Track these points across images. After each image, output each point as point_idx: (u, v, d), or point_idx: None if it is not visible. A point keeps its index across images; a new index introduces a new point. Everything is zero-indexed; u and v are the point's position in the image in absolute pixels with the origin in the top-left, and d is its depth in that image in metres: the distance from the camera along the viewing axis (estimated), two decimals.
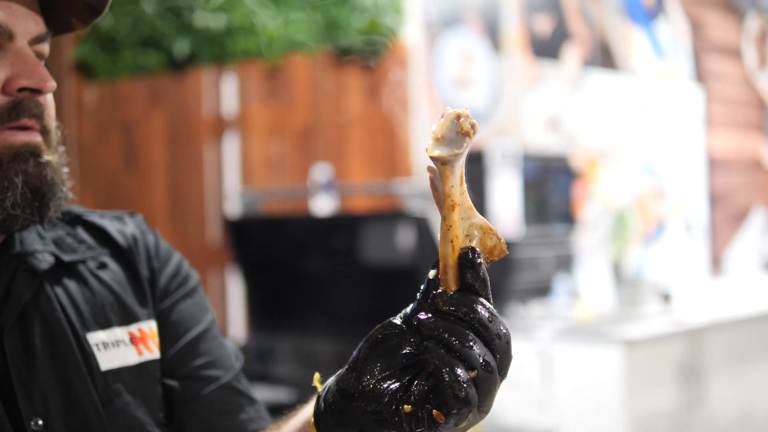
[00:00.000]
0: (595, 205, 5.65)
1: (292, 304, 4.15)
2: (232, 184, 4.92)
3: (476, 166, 4.31)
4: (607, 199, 5.77)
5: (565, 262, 4.64)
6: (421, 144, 4.54)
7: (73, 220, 1.24)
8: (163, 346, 1.24)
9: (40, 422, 1.06)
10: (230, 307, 4.94)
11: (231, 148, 4.99)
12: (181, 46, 5.01)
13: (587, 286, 5.10)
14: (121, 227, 1.28)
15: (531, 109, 5.30)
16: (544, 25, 5.43)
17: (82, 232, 1.24)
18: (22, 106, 1.07)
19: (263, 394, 3.81)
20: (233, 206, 4.66)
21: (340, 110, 4.65)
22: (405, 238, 3.68)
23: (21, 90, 1.06)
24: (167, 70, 5.11)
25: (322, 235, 4.04)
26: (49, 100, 1.11)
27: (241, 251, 4.24)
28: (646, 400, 3.94)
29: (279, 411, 3.38)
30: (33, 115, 1.07)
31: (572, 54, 5.65)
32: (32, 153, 1.08)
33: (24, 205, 1.06)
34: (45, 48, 1.12)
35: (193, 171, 5.05)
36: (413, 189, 3.96)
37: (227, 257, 4.67)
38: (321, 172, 4.26)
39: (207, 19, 4.91)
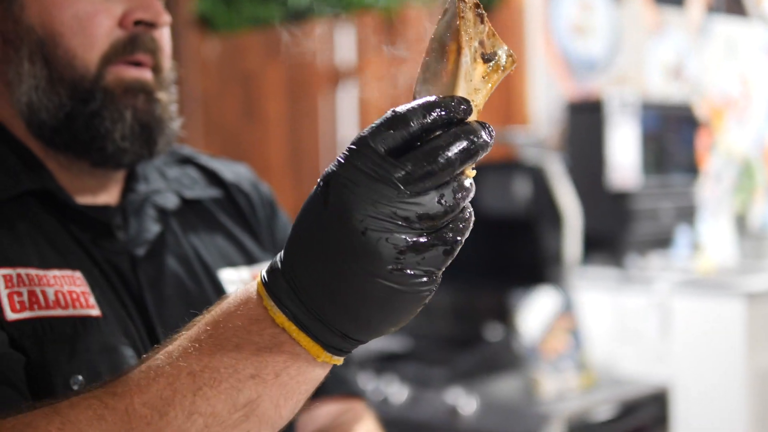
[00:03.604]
0: (719, 155, 5.48)
1: None
2: (349, 135, 4.95)
3: (594, 115, 4.23)
4: (732, 150, 5.59)
5: (687, 214, 4.53)
6: (538, 91, 4.48)
7: (184, 159, 1.28)
8: None
9: None
10: None
11: (348, 98, 5.02)
12: None
13: (709, 239, 4.97)
14: (234, 169, 1.32)
15: (652, 57, 5.15)
16: None
17: (193, 173, 1.28)
18: (138, 40, 1.10)
19: (378, 342, 3.86)
20: None
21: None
22: (521, 187, 3.65)
23: (137, 24, 1.09)
24: (285, 22, 5.16)
25: None
26: (165, 38, 1.14)
27: None
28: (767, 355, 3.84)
29: (394, 359, 3.40)
30: (148, 50, 1.10)
31: (696, 0, 5.47)
32: (143, 89, 1.10)
33: (132, 138, 1.09)
34: None
35: (310, 122, 5.10)
36: (529, 138, 3.92)
37: None
38: None
39: None
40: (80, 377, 0.98)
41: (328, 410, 1.27)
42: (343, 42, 5.02)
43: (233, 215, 1.27)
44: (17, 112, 1.10)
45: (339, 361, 0.81)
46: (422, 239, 0.76)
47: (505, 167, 3.77)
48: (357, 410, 1.29)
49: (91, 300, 1.04)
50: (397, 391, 2.96)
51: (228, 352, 0.79)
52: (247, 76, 5.37)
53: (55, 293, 1.00)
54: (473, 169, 0.83)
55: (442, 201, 0.76)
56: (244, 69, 5.39)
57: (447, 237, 0.78)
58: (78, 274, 1.05)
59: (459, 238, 0.78)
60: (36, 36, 1.07)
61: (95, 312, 1.03)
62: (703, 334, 3.77)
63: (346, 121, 4.99)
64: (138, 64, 1.10)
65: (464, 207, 0.79)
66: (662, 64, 5.21)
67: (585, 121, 4.33)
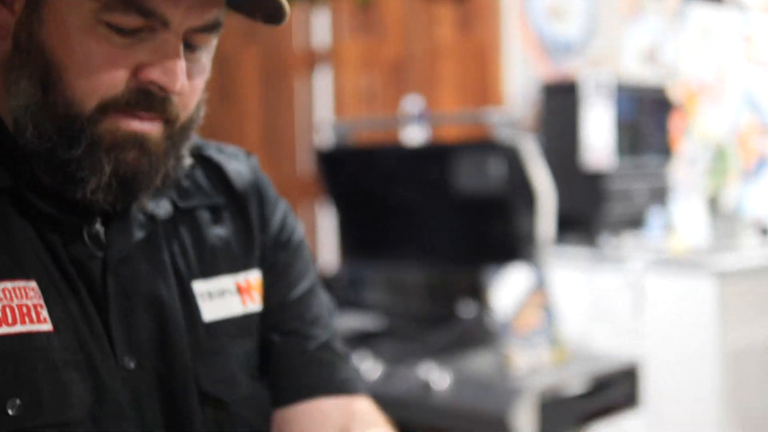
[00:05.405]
0: (693, 139, 5.52)
1: (383, 234, 4.18)
2: (324, 117, 4.95)
3: (569, 96, 4.25)
4: (706, 134, 5.63)
5: (660, 195, 4.56)
6: (513, 74, 4.49)
7: (191, 154, 1.17)
8: (269, 298, 1.22)
9: (132, 364, 1.05)
10: (321, 237, 5.01)
11: (323, 81, 5.01)
12: None
13: (682, 220, 5.00)
14: (238, 168, 1.26)
15: (628, 40, 5.18)
16: None
17: (200, 175, 1.21)
18: (143, 97, 1.01)
19: (354, 320, 3.87)
20: (325, 138, 4.69)
21: (431, 41, 4.62)
22: (495, 167, 3.66)
23: (151, 82, 1.00)
24: None
25: (413, 166, 4.05)
26: (194, 87, 1.07)
27: (332, 182, 4.28)
28: (740, 334, 3.87)
29: (369, 337, 3.41)
30: (151, 109, 1.01)
31: None
32: (137, 143, 1.02)
33: (106, 191, 1.02)
34: (207, 38, 1.07)
35: (286, 105, 5.10)
36: (504, 118, 3.93)
37: (319, 188, 4.72)
38: (412, 102, 4.25)
39: None
40: (18, 401, 0.94)
41: (325, 410, 1.20)
42: (319, 25, 5.01)
43: (231, 221, 1.21)
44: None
45: None
46: None
47: (479, 147, 3.78)
48: (363, 413, 1.21)
49: (44, 313, 0.98)
50: (371, 368, 2.97)
51: None
52: (223, 59, 5.36)
53: (2, 308, 0.96)
54: None
55: None
56: (219, 52, 5.36)
57: None
58: (32, 284, 0.99)
59: None
60: (43, 58, 0.99)
61: (46, 327, 0.98)
62: (676, 312, 3.80)
63: (322, 103, 4.99)
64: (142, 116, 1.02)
65: None
66: (638, 48, 5.24)
67: (560, 102, 4.34)
